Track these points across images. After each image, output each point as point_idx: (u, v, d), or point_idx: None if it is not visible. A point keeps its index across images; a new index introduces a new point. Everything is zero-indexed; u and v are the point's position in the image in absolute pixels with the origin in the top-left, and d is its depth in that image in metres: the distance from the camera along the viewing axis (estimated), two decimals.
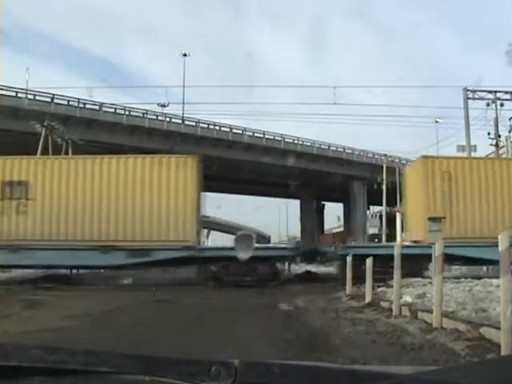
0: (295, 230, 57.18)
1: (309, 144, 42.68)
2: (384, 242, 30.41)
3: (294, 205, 55.37)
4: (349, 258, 12.09)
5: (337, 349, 5.43)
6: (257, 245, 16.92)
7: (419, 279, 11.95)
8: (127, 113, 35.45)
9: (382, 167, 39.39)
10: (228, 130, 39.38)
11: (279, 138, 41.38)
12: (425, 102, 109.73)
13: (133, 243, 15.00)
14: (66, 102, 33.09)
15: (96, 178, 15.51)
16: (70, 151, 29.47)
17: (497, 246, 4.76)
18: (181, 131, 37.18)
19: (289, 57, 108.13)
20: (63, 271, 17.34)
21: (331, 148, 43.56)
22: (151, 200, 15.28)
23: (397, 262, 8.25)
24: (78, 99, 33.65)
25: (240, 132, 39.84)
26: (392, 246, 10.21)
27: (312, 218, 50.38)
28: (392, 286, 8.75)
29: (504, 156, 28.13)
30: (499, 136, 28.96)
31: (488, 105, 28.72)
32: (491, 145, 29.51)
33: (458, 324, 5.81)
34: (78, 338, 6.06)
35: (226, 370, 0.96)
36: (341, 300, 10.34)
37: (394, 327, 6.51)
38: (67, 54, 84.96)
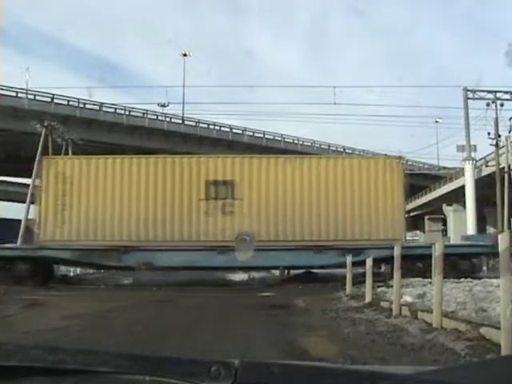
0: None
1: (309, 144, 42.72)
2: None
3: None
4: (349, 259, 12.08)
5: (337, 349, 5.43)
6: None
7: (419, 279, 11.94)
8: (127, 113, 35.48)
9: None
10: (228, 130, 39.41)
11: (279, 138, 41.42)
12: (425, 102, 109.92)
13: (345, 242, 15.05)
14: (66, 102, 33.13)
15: (302, 178, 15.64)
16: (69, 151, 29.50)
17: None
18: (181, 131, 37.21)
19: (289, 57, 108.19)
20: (64, 271, 17.34)
21: (331, 148, 43.61)
22: (360, 200, 15.52)
23: (397, 262, 8.25)
24: (78, 99, 33.68)
25: (240, 132, 39.87)
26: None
27: None
28: (392, 286, 8.75)
29: (504, 156, 28.13)
30: (499, 136, 28.97)
31: (488, 105, 28.76)
32: (491, 145, 29.53)
33: (458, 324, 5.81)
34: (77, 337, 6.06)
35: (226, 370, 0.96)
36: (341, 300, 10.34)
37: (394, 327, 6.51)
38: (67, 54, 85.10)
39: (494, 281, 8.69)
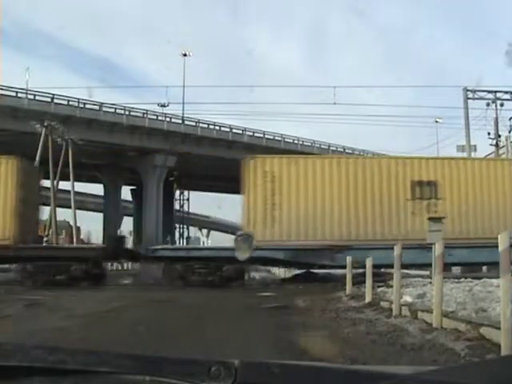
0: None
1: (309, 144, 42.69)
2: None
3: None
4: (348, 259, 12.08)
5: (337, 349, 5.43)
6: None
7: (419, 279, 11.95)
8: (127, 113, 35.46)
9: None
10: (228, 129, 39.39)
11: (279, 138, 41.39)
12: (425, 101, 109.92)
13: None
14: (66, 102, 33.11)
15: (501, 180, 16.13)
16: (69, 151, 29.50)
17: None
18: (181, 131, 37.20)
19: (289, 57, 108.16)
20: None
21: (331, 148, 43.57)
22: None
23: (397, 262, 8.25)
24: (78, 99, 33.65)
25: (240, 132, 39.85)
26: None
27: None
28: (392, 286, 8.75)
29: (504, 156, 28.13)
30: (499, 136, 28.96)
31: (488, 105, 28.72)
32: (491, 145, 29.51)
33: (458, 324, 5.81)
34: (78, 338, 6.06)
35: (226, 370, 0.96)
36: (341, 300, 10.34)
37: (394, 327, 6.50)
38: (67, 54, 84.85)
39: (494, 281, 8.68)
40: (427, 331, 5.94)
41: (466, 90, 28.63)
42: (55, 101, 32.52)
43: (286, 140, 41.52)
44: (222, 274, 15.14)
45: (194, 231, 61.58)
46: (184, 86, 42.33)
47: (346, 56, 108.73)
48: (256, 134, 40.42)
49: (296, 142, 42.03)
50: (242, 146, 38.59)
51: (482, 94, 28.98)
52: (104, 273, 16.79)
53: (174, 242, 40.08)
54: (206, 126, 38.70)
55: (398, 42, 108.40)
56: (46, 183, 30.89)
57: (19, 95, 31.53)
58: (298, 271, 18.56)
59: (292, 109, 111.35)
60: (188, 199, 48.78)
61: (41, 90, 32.88)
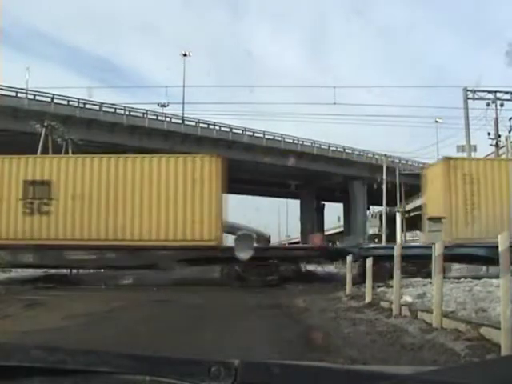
0: (295, 230, 57.23)
1: (309, 144, 42.70)
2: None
3: (294, 205, 55.44)
4: (348, 258, 12.08)
5: (337, 349, 5.43)
6: None
7: (419, 279, 11.94)
8: (127, 113, 35.47)
9: (381, 167, 39.40)
10: (228, 129, 39.40)
11: (279, 138, 41.41)
12: (425, 102, 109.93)
13: None
14: (66, 102, 33.12)
15: None
16: (69, 151, 29.51)
17: None
18: (181, 131, 37.20)
19: (289, 57, 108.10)
20: (64, 271, 17.32)
21: (331, 148, 43.59)
22: None
23: (397, 262, 8.26)
24: (78, 99, 33.66)
25: (240, 132, 39.86)
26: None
27: (312, 217, 50.39)
28: (392, 286, 8.75)
29: (504, 156, 28.13)
30: (499, 136, 28.96)
31: (488, 105, 28.72)
32: (491, 145, 29.51)
33: (458, 324, 5.81)
34: (78, 338, 6.06)
35: (226, 370, 0.97)
36: (341, 300, 10.34)
37: (394, 327, 6.50)
38: (67, 54, 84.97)
39: (494, 281, 8.68)
40: (427, 331, 5.94)
41: (465, 90, 28.63)
42: (55, 101, 32.53)
43: (286, 140, 41.53)
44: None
45: None
46: (184, 86, 42.45)
47: (346, 56, 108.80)
48: (256, 134, 40.44)
49: (296, 141, 42.04)
50: (242, 146, 38.62)
51: (482, 94, 28.98)
52: (302, 272, 16.54)
53: None
54: (205, 126, 38.71)
55: (399, 42, 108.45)
56: None
57: (19, 95, 31.54)
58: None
59: (292, 109, 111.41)
60: None
61: (41, 90, 32.92)
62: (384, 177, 38.58)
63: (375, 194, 40.40)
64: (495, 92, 28.81)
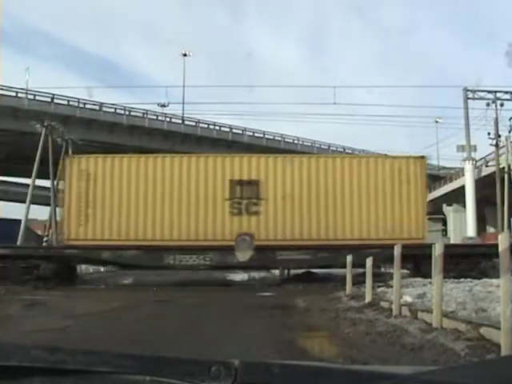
0: None
1: (309, 144, 42.75)
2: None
3: None
4: (349, 258, 12.08)
5: (337, 349, 5.43)
6: None
7: (419, 279, 11.94)
8: (127, 113, 35.48)
9: None
10: (228, 129, 39.42)
11: (279, 138, 41.44)
12: (425, 102, 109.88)
13: None
14: (66, 102, 33.14)
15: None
16: (70, 151, 29.52)
17: None
18: (181, 131, 37.22)
19: (289, 57, 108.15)
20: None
21: (331, 148, 43.64)
22: None
23: (396, 262, 8.26)
24: (78, 99, 33.68)
25: (240, 132, 39.89)
26: None
27: None
28: (392, 286, 8.75)
29: (504, 156, 28.12)
30: (499, 136, 28.97)
31: (488, 105, 28.75)
32: (491, 145, 29.53)
33: (458, 324, 5.81)
34: (78, 338, 6.06)
35: (226, 370, 0.96)
36: (341, 300, 10.33)
37: (394, 327, 6.50)
38: (67, 54, 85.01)
39: (494, 281, 8.68)
40: (427, 331, 5.93)
41: (466, 90, 28.65)
42: (55, 101, 32.54)
43: (286, 140, 41.57)
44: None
45: None
46: (184, 86, 42.48)
47: (346, 56, 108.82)
48: (256, 134, 40.46)
49: (296, 141, 42.07)
50: (242, 146, 38.59)
51: (482, 94, 29.00)
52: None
53: None
54: (205, 126, 38.73)
55: (399, 42, 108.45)
56: (46, 183, 31.00)
57: (19, 95, 31.55)
58: (298, 271, 18.55)
59: (292, 109, 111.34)
60: None
61: (41, 90, 32.94)
62: None
63: None
64: (495, 92, 28.83)
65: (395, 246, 8.52)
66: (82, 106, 33.66)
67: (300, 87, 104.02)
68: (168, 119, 37.58)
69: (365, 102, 45.38)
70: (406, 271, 14.28)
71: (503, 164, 29.20)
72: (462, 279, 11.84)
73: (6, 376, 1.00)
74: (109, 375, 1.01)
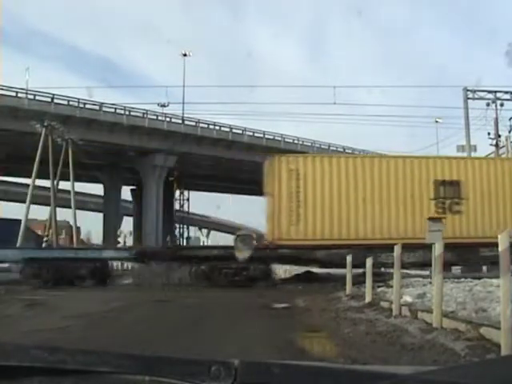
0: None
1: (309, 144, 42.68)
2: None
3: None
4: (349, 258, 12.08)
5: (337, 349, 5.43)
6: None
7: (419, 279, 11.94)
8: (127, 113, 35.43)
9: None
10: (228, 129, 39.38)
11: (279, 138, 41.39)
12: (424, 101, 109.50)
13: None
14: (66, 102, 33.07)
15: None
16: (69, 151, 29.51)
17: None
18: (181, 131, 37.18)
19: (289, 57, 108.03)
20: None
21: (331, 148, 43.57)
22: None
23: (396, 262, 8.25)
24: (78, 99, 33.62)
25: (240, 132, 39.84)
26: None
27: None
28: (392, 286, 8.75)
29: (504, 156, 28.13)
30: (499, 136, 28.95)
31: (488, 105, 28.71)
32: (491, 145, 29.50)
33: (458, 324, 5.81)
34: (78, 338, 6.06)
35: (226, 370, 0.96)
36: (341, 300, 10.34)
37: (394, 327, 6.50)
38: (67, 54, 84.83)
39: (494, 281, 8.68)
40: (427, 331, 5.93)
41: (466, 90, 28.62)
42: (55, 101, 32.48)
43: (286, 140, 41.52)
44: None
45: (193, 231, 61.57)
46: (184, 86, 42.31)
47: (346, 56, 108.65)
48: (256, 134, 40.41)
49: (296, 141, 42.03)
50: (242, 146, 38.59)
51: (482, 94, 28.97)
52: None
53: (174, 242, 40.06)
54: (205, 126, 38.68)
55: (399, 42, 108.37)
56: (46, 183, 30.98)
57: (19, 95, 31.49)
58: (297, 271, 18.55)
59: (292, 109, 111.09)
60: (188, 199, 48.78)
61: (41, 90, 32.85)
62: None
63: None
64: (495, 92, 28.80)
65: (395, 246, 8.50)
66: (82, 105, 33.60)
67: (300, 87, 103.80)
68: (168, 119, 37.53)
69: (365, 102, 45.28)
70: None
71: None
72: (462, 279, 11.85)
73: (6, 376, 1.00)
74: (109, 375, 1.01)
